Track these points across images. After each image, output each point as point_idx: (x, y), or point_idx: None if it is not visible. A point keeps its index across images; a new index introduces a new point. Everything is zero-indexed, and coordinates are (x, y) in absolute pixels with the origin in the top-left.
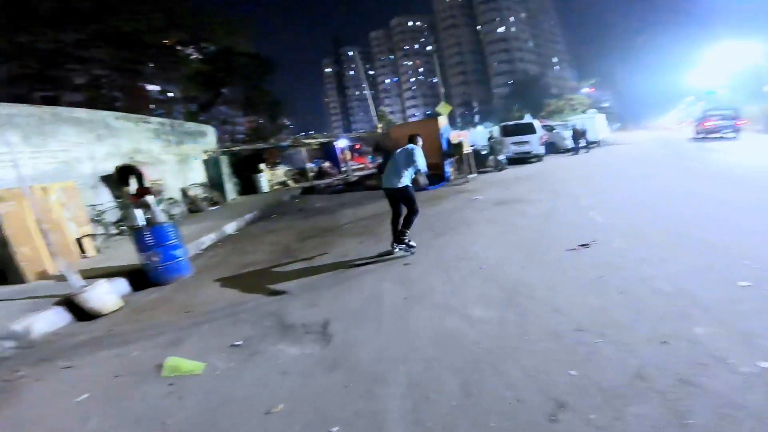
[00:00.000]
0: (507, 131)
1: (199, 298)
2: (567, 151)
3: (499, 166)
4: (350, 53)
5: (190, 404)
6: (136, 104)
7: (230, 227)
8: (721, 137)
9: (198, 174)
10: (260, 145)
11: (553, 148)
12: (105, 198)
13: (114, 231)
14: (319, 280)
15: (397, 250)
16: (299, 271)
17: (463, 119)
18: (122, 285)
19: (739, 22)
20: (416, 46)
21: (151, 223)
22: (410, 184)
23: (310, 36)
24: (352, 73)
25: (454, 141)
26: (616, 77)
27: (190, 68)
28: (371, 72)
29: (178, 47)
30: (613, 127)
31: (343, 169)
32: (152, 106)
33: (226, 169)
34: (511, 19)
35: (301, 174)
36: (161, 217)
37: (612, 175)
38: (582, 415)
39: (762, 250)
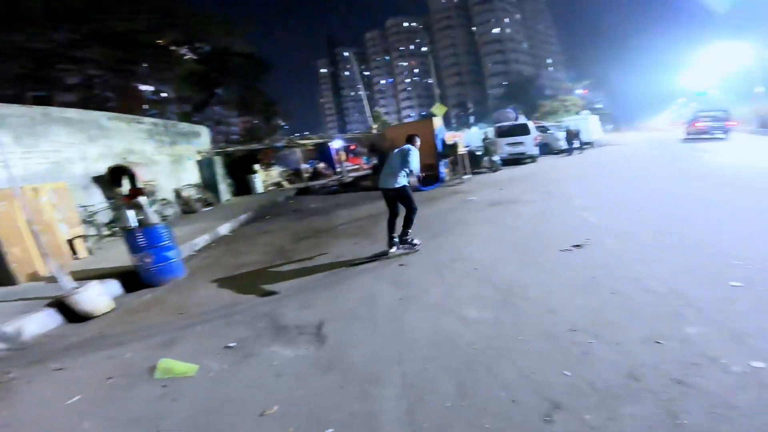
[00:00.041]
0: (501, 132)
1: (193, 300)
2: (561, 152)
3: (493, 167)
4: (345, 54)
5: (184, 406)
6: (129, 104)
7: (224, 228)
8: (712, 138)
9: (192, 175)
10: (255, 146)
11: (547, 149)
12: (97, 199)
13: (106, 232)
14: (313, 281)
15: (393, 250)
16: (294, 272)
17: (458, 120)
18: (114, 286)
19: (731, 24)
20: (411, 47)
21: (143, 224)
22: (407, 184)
23: (306, 36)
24: (347, 73)
25: (449, 142)
26: (609, 78)
27: (184, 68)
28: (366, 72)
29: (172, 47)
30: (607, 128)
31: (338, 169)
32: (146, 107)
33: (220, 169)
34: (506, 20)
35: (295, 175)
36: (154, 218)
37: (605, 176)
38: (576, 416)
39: (752, 250)
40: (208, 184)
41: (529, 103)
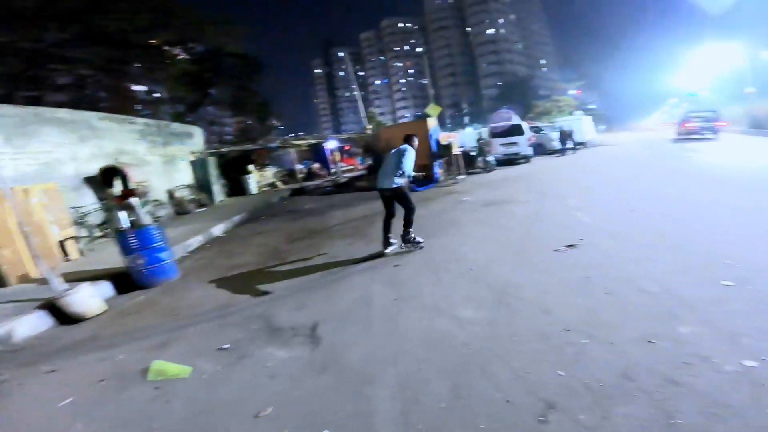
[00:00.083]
0: (496, 133)
1: (186, 301)
2: (554, 152)
3: (487, 168)
4: (340, 54)
5: (177, 408)
6: (121, 105)
7: (218, 229)
8: (702, 138)
9: (185, 175)
10: (249, 146)
11: (540, 149)
12: (88, 200)
13: (98, 233)
14: (308, 282)
15: (388, 250)
16: (288, 273)
17: (452, 120)
18: (106, 288)
19: (724, 25)
20: (406, 48)
21: (135, 225)
22: (404, 184)
23: (301, 37)
24: (342, 74)
25: (444, 142)
26: (602, 79)
27: (177, 68)
28: (361, 73)
29: (165, 47)
30: (600, 128)
31: (333, 170)
32: (138, 107)
33: (213, 170)
34: (501, 20)
35: (290, 175)
36: (146, 220)
37: (598, 176)
38: (571, 416)
39: (743, 249)
40: (202, 184)
41: (523, 104)
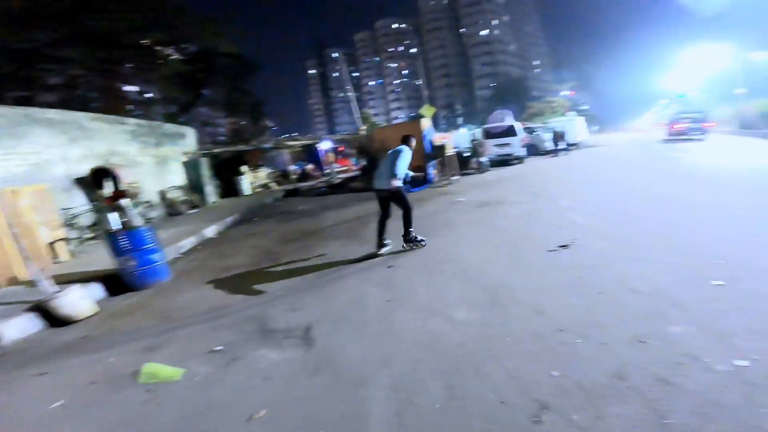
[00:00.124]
0: (489, 134)
1: (178, 303)
2: (547, 153)
3: (481, 168)
4: (335, 55)
5: (169, 411)
6: (112, 105)
7: (210, 231)
8: (690, 139)
9: (177, 176)
10: (242, 147)
11: (533, 150)
12: (79, 201)
13: (88, 235)
14: (301, 284)
15: (382, 251)
16: (281, 275)
17: (446, 121)
18: (97, 290)
19: (715, 27)
20: (401, 48)
21: (126, 226)
22: (401, 185)
23: (295, 37)
24: (336, 74)
25: (438, 143)
26: (595, 80)
27: (169, 68)
28: (356, 74)
29: (157, 47)
30: (592, 129)
31: (327, 171)
32: (130, 107)
33: (206, 171)
34: (495, 22)
35: (283, 176)
36: (137, 221)
37: (590, 177)
38: (564, 416)
39: (732, 248)
40: (194, 185)
41: (516, 105)
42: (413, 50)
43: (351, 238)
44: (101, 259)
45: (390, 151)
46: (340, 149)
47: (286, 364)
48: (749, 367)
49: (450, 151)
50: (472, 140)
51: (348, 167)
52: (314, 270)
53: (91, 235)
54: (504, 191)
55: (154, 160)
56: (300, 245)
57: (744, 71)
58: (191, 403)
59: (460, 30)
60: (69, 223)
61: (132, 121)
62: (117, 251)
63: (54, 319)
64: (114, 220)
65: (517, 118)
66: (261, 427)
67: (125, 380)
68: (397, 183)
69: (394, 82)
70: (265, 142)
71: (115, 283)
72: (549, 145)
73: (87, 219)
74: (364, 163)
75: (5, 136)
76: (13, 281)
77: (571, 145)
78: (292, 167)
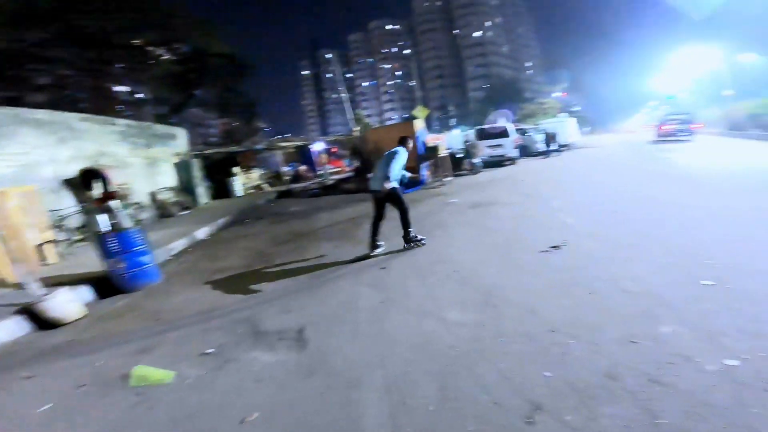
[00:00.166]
0: (482, 135)
1: (169, 305)
2: (539, 154)
3: (474, 169)
4: (328, 56)
5: (160, 414)
6: (102, 106)
7: (202, 232)
8: (678, 140)
9: (168, 178)
10: (234, 149)
11: (526, 151)
12: (67, 203)
13: (77, 237)
14: (293, 285)
15: (375, 253)
16: (274, 277)
17: (439, 122)
18: (86, 293)
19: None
20: (394, 50)
21: (116, 228)
22: (397, 186)
23: (289, 38)
24: (329, 75)
25: (431, 144)
26: (586, 81)
27: (160, 69)
28: (349, 75)
29: (149, 47)
30: (584, 130)
31: (320, 172)
32: (121, 108)
33: (197, 172)
34: (488, 23)
35: (276, 177)
36: (127, 223)
37: (581, 178)
38: (557, 417)
39: (721, 248)
40: (186, 187)
41: (509, 106)
42: (407, 51)
43: (344, 240)
44: (90, 261)
45: (387, 153)
46: (333, 150)
47: (279, 366)
48: (739, 366)
49: (443, 152)
50: (465, 141)
51: (341, 168)
52: (307, 271)
53: (80, 237)
54: (496, 192)
55: (144, 162)
56: (293, 247)
57: (732, 73)
58: (182, 407)
59: (454, 31)
60: (58, 225)
61: (122, 121)
62: (106, 253)
63: (42, 322)
64: (103, 221)
65: (516, 118)
66: (253, 430)
67: (114, 383)
68: (390, 185)
69: (388, 83)
70: (258, 143)
71: (105, 286)
72: (541, 146)
73: (76, 221)
74: (357, 164)
75: None
76: (1, 284)
77: (563, 147)
78: (285, 168)
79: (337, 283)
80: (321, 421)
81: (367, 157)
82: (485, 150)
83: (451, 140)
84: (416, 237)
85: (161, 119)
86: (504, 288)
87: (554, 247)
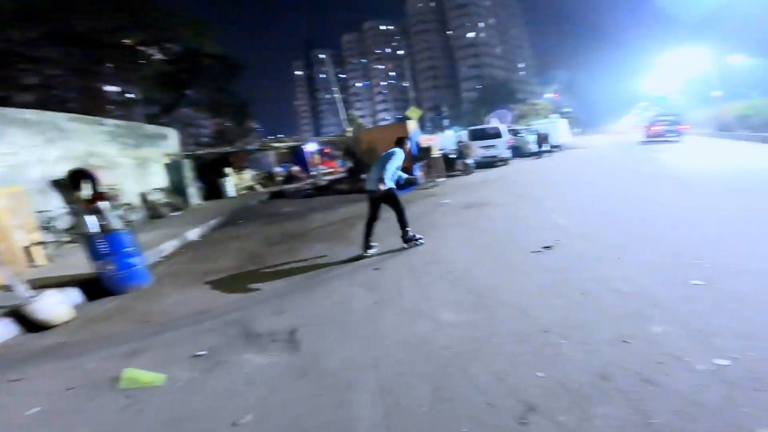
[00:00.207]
0: (475, 135)
1: (159, 307)
2: (531, 155)
3: (467, 170)
4: (322, 56)
5: (150, 417)
6: (91, 105)
7: (193, 233)
8: (666, 141)
9: (159, 178)
10: (226, 149)
11: (518, 151)
12: (56, 204)
13: (66, 238)
14: (286, 287)
15: (368, 253)
16: (266, 278)
17: (433, 123)
18: (75, 295)
19: (695, 31)
20: (388, 50)
21: (105, 229)
22: (393, 186)
23: (282, 38)
24: (323, 76)
25: (424, 145)
26: (578, 82)
27: (151, 69)
28: (343, 75)
29: (139, 47)
30: (575, 131)
31: (313, 173)
32: (111, 108)
33: (189, 173)
34: (481, 24)
35: (269, 178)
36: (116, 224)
37: (572, 179)
38: (551, 417)
39: (710, 248)
40: (177, 188)
41: (502, 107)
42: (400, 52)
43: (337, 241)
44: (79, 262)
45: (383, 153)
46: (326, 151)
47: (271, 368)
48: (730, 366)
49: (436, 153)
50: (458, 142)
51: (334, 169)
52: (300, 272)
53: (69, 238)
54: (489, 193)
55: (134, 162)
56: (285, 248)
57: (721, 74)
58: (173, 409)
59: (447, 32)
60: (46, 226)
61: (111, 121)
62: (95, 255)
63: (30, 325)
64: (92, 223)
65: (504, 119)
66: None
67: (104, 386)
68: (384, 186)
69: (381, 83)
70: (250, 144)
71: (94, 288)
72: (533, 147)
73: (64, 222)
74: (350, 164)
75: None
76: None
77: (555, 147)
78: (278, 169)
79: (330, 284)
80: (314, 422)
81: (360, 158)
82: (478, 150)
83: (444, 141)
84: (415, 236)
85: (152, 119)
86: (497, 288)
87: (546, 247)
